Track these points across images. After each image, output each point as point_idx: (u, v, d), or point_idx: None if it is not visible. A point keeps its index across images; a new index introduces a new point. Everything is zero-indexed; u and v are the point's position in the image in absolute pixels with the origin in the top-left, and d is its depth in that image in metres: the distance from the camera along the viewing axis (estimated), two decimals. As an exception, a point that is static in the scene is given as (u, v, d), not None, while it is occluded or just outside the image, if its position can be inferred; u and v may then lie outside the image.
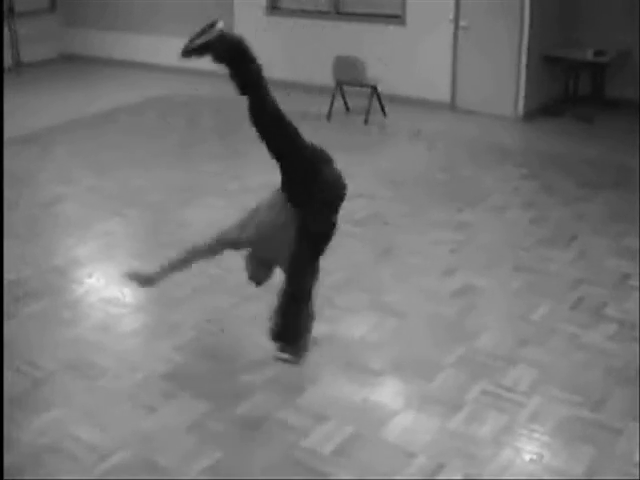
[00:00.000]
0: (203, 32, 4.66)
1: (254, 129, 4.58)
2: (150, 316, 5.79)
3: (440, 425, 4.42)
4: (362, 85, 10.59)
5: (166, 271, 4.96)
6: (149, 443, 4.34)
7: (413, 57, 11.19)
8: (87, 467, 4.16)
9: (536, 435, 4.31)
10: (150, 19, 13.94)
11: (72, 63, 15.13)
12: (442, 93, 11.10)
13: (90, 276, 6.39)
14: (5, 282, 6.25)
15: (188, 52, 4.61)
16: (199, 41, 4.57)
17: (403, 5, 11.16)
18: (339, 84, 10.84)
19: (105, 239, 7.09)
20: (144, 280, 5.01)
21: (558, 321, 5.49)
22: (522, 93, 10.48)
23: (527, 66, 10.35)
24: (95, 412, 4.63)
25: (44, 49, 15.19)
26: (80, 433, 4.44)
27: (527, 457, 4.15)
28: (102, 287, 6.21)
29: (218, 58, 4.59)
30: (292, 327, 4.79)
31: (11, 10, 14.48)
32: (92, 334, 5.49)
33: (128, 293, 6.12)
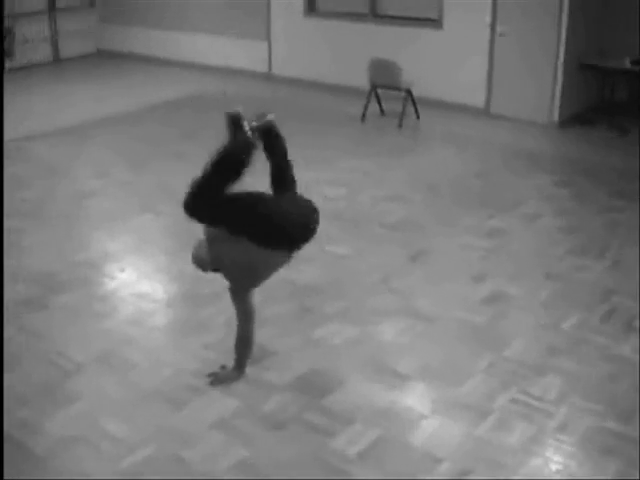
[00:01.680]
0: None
1: None
2: (181, 312, 5.83)
3: (467, 431, 4.41)
4: (397, 88, 10.58)
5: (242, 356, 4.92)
6: (176, 438, 4.37)
7: (449, 61, 11.16)
8: (113, 459, 4.20)
9: (563, 445, 4.30)
10: (186, 17, 14.00)
11: (109, 59, 15.24)
12: (477, 98, 11.06)
13: (122, 270, 6.44)
14: (38, 274, 6.32)
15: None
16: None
17: (440, 9, 11.14)
18: (374, 87, 10.83)
19: (138, 234, 7.14)
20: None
21: (588, 331, 5.46)
22: (557, 100, 10.43)
23: (563, 73, 10.29)
24: (123, 406, 4.67)
25: (82, 44, 15.33)
26: (108, 426, 4.48)
27: (554, 467, 4.13)
28: (134, 281, 6.26)
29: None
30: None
31: (52, 5, 14.61)
32: (123, 328, 5.53)
33: (160, 289, 6.18)
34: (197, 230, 6.73)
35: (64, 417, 4.56)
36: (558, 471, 4.11)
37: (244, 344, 4.82)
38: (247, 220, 4.49)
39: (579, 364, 5.07)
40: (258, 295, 5.80)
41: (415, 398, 4.78)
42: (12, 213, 7.56)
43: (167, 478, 4.08)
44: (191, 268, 6.35)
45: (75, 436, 4.39)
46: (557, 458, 4.20)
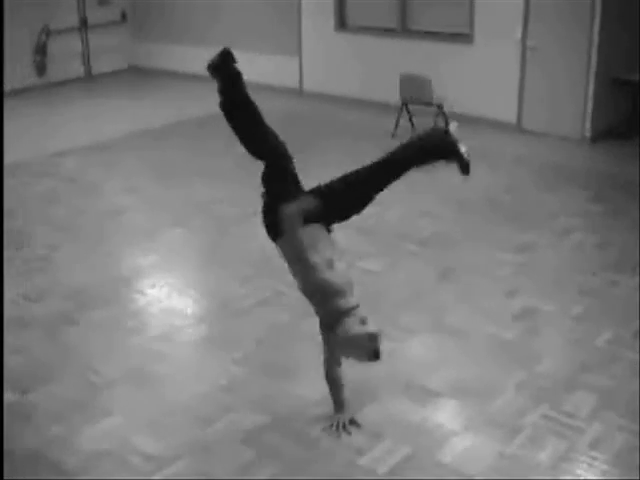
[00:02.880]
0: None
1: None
2: (212, 328, 5.83)
3: (498, 449, 4.37)
4: (428, 104, 10.56)
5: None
6: (206, 454, 4.37)
7: (480, 76, 11.14)
8: (142, 475, 4.21)
9: (596, 463, 4.24)
10: (217, 33, 14.06)
11: (140, 75, 15.36)
12: (508, 113, 11.02)
13: (153, 286, 6.47)
14: (70, 289, 6.36)
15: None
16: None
17: (471, 24, 11.13)
18: (405, 102, 10.82)
19: (168, 249, 7.17)
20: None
21: (621, 347, 5.40)
22: (589, 115, 10.35)
23: (595, 88, 10.23)
24: (153, 421, 4.68)
25: (114, 61, 15.46)
26: (138, 441, 4.49)
27: (586, 485, 4.10)
28: (165, 297, 6.28)
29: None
30: None
31: (84, 22, 14.76)
32: (154, 344, 5.55)
33: (190, 304, 6.19)
34: (227, 247, 6.75)
35: (95, 432, 4.57)
36: (591, 489, 4.07)
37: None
38: None
39: (612, 380, 5.02)
40: (288, 313, 5.83)
41: (446, 415, 4.75)
42: (45, 229, 7.63)
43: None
44: (222, 284, 6.37)
45: (105, 451, 4.40)
46: (590, 476, 4.15)
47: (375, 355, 4.17)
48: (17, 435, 4.54)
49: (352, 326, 4.21)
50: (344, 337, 4.23)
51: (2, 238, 6.97)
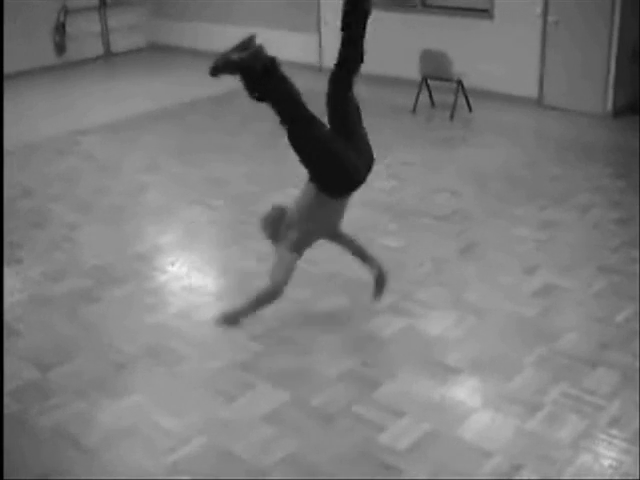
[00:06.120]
0: (238, 48, 4.83)
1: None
2: (230, 305, 5.83)
3: (518, 425, 4.36)
4: (448, 79, 10.50)
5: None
6: (225, 431, 4.39)
7: (501, 52, 11.05)
8: (163, 452, 4.24)
9: (616, 441, 4.23)
10: (237, 10, 14.02)
11: (160, 53, 15.33)
12: (529, 88, 10.94)
13: (172, 264, 6.48)
14: (91, 267, 6.39)
15: (217, 69, 4.83)
16: (234, 57, 4.73)
17: (491, -1, 11.05)
18: (425, 78, 10.77)
19: (188, 227, 7.18)
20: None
21: (642, 324, 5.38)
22: (611, 90, 10.27)
23: (617, 62, 10.13)
24: (173, 398, 4.71)
25: (133, 39, 15.43)
26: (158, 418, 4.52)
27: (606, 463, 4.08)
28: (184, 275, 6.29)
29: (249, 76, 4.81)
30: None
31: (103, 1, 14.73)
32: (173, 321, 5.57)
33: (209, 281, 6.21)
34: (246, 224, 6.75)
35: (115, 409, 4.61)
36: (611, 467, 4.05)
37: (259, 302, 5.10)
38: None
39: (633, 358, 4.99)
40: (308, 289, 5.84)
41: (465, 391, 4.74)
42: (66, 207, 7.66)
43: (217, 471, 4.10)
44: (240, 261, 6.39)
45: (126, 428, 4.43)
46: (610, 454, 4.14)
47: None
48: (38, 412, 4.58)
49: None
50: None
51: (2, 241, 6.93)
